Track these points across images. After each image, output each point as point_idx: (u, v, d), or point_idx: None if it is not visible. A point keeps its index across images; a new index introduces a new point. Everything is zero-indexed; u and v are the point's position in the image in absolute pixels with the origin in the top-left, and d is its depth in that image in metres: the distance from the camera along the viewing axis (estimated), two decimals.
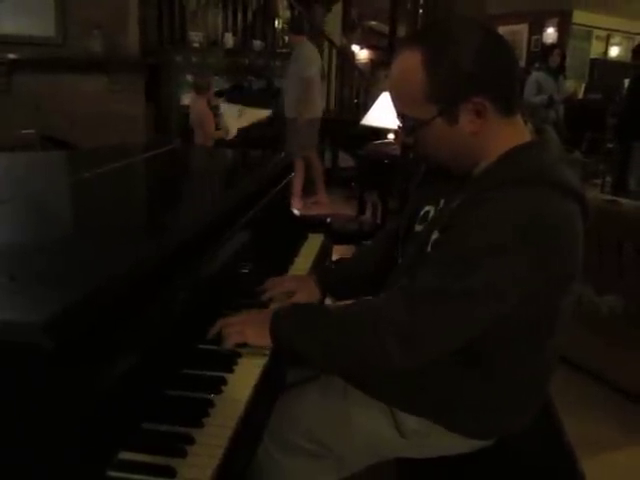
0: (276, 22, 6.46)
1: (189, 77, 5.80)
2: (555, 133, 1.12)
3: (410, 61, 1.03)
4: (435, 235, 1.05)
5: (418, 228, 1.21)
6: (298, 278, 1.49)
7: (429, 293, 0.99)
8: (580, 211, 1.01)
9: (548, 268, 0.97)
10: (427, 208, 1.21)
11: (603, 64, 10.17)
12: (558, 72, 5.91)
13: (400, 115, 1.10)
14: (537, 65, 6.59)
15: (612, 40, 10.80)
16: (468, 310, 0.98)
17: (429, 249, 1.06)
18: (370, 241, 1.61)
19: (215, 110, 5.20)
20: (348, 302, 1.19)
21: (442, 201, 1.17)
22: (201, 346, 1.18)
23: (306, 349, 1.08)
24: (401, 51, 1.06)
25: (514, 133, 1.07)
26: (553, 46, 6.44)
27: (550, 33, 9.69)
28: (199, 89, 5.01)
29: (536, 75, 6.07)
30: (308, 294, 1.39)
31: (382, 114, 3.87)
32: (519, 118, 1.08)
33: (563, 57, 6.02)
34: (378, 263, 1.43)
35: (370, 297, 1.14)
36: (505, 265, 0.95)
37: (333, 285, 1.45)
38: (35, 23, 4.59)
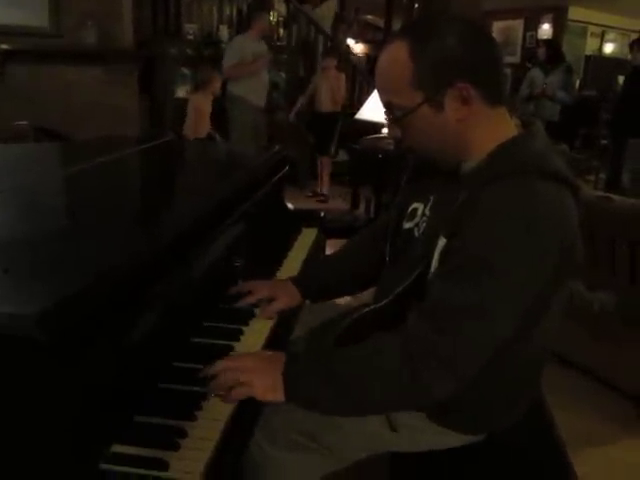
0: (271, 15, 6.43)
1: (184, 69, 5.78)
2: (541, 126, 1.12)
3: (397, 51, 1.04)
4: (442, 242, 1.02)
5: (407, 225, 1.21)
6: (276, 283, 1.44)
7: (458, 311, 0.96)
8: (574, 200, 1.02)
9: (553, 257, 0.98)
10: (415, 205, 1.21)
11: (598, 60, 10.18)
12: (548, 66, 5.90)
13: (386, 105, 1.10)
14: (530, 64, 6.60)
15: (607, 36, 10.81)
16: (499, 315, 0.97)
17: (436, 256, 1.03)
18: (351, 239, 1.54)
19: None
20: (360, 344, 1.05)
21: (431, 198, 1.16)
22: (194, 339, 1.18)
23: (331, 402, 1.02)
24: (388, 44, 1.08)
25: (500, 125, 1.08)
26: (543, 43, 6.44)
27: (545, 29, 9.68)
28: (197, 85, 5.00)
29: (532, 72, 6.09)
30: (288, 300, 1.36)
31: (376, 108, 3.88)
32: (505, 111, 1.09)
33: (552, 50, 6.00)
34: (362, 263, 1.42)
35: (380, 333, 1.04)
36: (516, 261, 0.95)
37: (314, 288, 1.41)
38: (29, 14, 4.55)
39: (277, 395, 1.02)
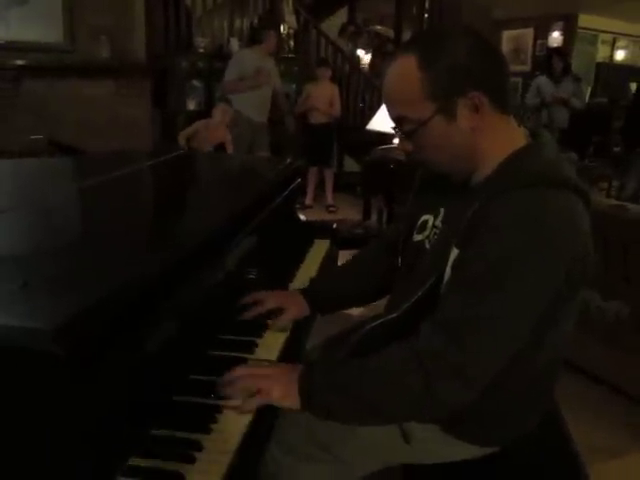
0: (282, 27, 6.48)
1: (195, 82, 5.84)
2: (549, 135, 1.13)
3: (405, 65, 1.05)
4: (454, 253, 1.03)
5: (417, 237, 1.21)
6: (285, 294, 1.43)
7: (471, 323, 0.96)
8: (585, 208, 1.02)
9: (566, 266, 0.98)
10: (426, 217, 1.21)
11: (609, 68, 10.14)
12: (561, 77, 5.90)
13: (397, 119, 1.10)
14: (537, 73, 6.59)
15: (618, 44, 10.76)
16: (513, 326, 0.98)
17: (448, 268, 1.04)
18: (359, 252, 1.54)
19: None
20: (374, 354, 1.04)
21: (442, 210, 1.17)
22: (209, 352, 1.19)
23: (346, 412, 1.03)
24: (394, 59, 1.08)
25: (510, 134, 1.08)
26: (553, 52, 6.41)
27: (555, 37, 9.66)
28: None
29: (537, 81, 6.08)
30: (298, 310, 1.36)
31: (387, 119, 3.88)
32: (513, 120, 1.09)
33: (565, 61, 6.01)
34: (370, 275, 1.43)
35: (395, 344, 1.03)
36: (528, 272, 0.95)
37: (322, 300, 1.41)
38: (43, 29, 4.63)
39: (294, 403, 1.03)
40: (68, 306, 0.81)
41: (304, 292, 1.41)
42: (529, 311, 0.98)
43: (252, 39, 5.48)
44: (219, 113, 4.84)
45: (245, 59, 5.04)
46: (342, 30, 7.68)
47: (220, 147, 4.86)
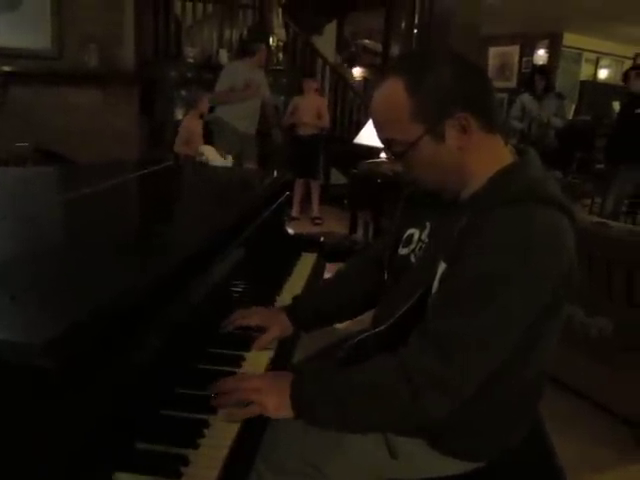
0: (271, 39, 6.51)
1: (184, 92, 5.84)
2: (535, 153, 1.15)
3: (392, 87, 1.06)
4: (442, 267, 1.04)
5: (403, 251, 1.22)
6: (268, 312, 1.41)
7: (459, 337, 0.97)
8: (570, 224, 1.04)
9: (552, 282, 0.99)
10: (411, 231, 1.22)
11: (592, 86, 10.31)
12: (544, 94, 6.02)
13: (386, 142, 1.11)
14: (522, 89, 6.70)
15: (601, 62, 10.96)
16: (501, 341, 0.99)
17: (436, 282, 1.05)
18: (342, 267, 1.54)
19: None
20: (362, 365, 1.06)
21: (427, 224, 1.18)
22: (196, 366, 1.18)
23: (334, 419, 1.04)
24: (381, 82, 1.09)
25: (497, 152, 1.10)
26: (535, 71, 6.54)
27: (541, 54, 9.82)
28: (188, 106, 5.09)
29: (522, 98, 6.18)
30: (280, 330, 1.35)
31: (375, 133, 3.90)
32: (500, 138, 1.11)
33: (547, 80, 6.13)
34: (354, 291, 1.43)
35: (384, 354, 1.05)
36: (515, 288, 0.97)
37: (305, 318, 1.40)
38: (31, 36, 4.61)
39: (288, 413, 1.04)
40: (57, 320, 0.80)
41: (287, 310, 1.40)
42: (516, 326, 0.99)
43: (243, 51, 5.50)
44: (204, 104, 4.91)
45: (236, 71, 5.09)
46: (341, 46, 7.72)
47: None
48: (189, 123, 4.92)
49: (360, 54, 8.24)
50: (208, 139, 5.07)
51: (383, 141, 1.12)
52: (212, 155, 4.71)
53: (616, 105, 6.84)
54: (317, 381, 1.06)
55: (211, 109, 5.18)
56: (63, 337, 0.77)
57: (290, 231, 2.13)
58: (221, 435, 0.98)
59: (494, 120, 1.10)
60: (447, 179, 1.10)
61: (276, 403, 1.04)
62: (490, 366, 1.00)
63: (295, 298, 1.47)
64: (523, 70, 9.81)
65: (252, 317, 1.36)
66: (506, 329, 0.99)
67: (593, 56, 10.75)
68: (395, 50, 7.14)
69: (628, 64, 6.24)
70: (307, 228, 5.42)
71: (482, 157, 1.08)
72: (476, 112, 1.05)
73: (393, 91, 1.06)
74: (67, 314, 0.82)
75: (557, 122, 6.01)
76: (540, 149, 5.74)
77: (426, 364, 0.98)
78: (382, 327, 1.14)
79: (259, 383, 1.08)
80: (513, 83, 9.83)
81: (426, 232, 1.18)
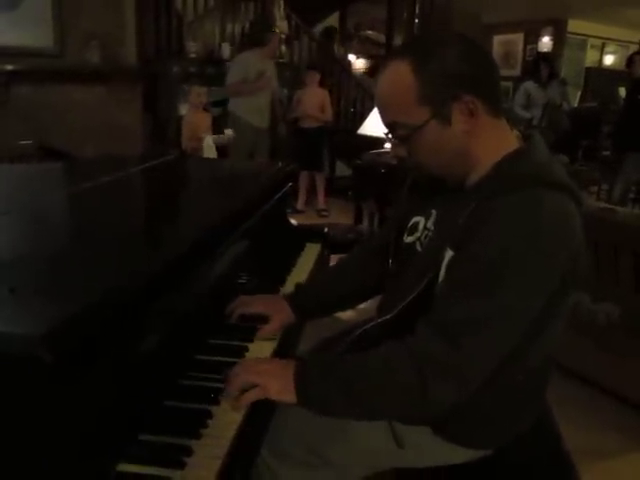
0: None
1: (187, 87, 5.83)
2: (541, 137, 1.13)
3: (398, 70, 1.05)
4: (449, 254, 1.03)
5: (408, 239, 1.21)
6: (270, 300, 1.41)
7: (467, 323, 0.96)
8: (577, 208, 1.02)
9: (561, 267, 0.98)
10: (416, 219, 1.21)
11: (598, 72, 10.22)
12: (548, 81, 6.00)
13: (391, 125, 1.10)
14: (527, 77, 6.67)
15: (607, 48, 10.85)
16: (509, 327, 0.98)
17: (443, 269, 1.04)
18: (345, 256, 1.52)
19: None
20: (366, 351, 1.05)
21: (433, 212, 1.17)
22: (200, 357, 1.18)
23: (340, 406, 1.03)
24: (387, 64, 1.08)
25: (503, 136, 1.09)
26: (539, 58, 6.51)
27: (545, 42, 9.72)
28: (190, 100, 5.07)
29: (526, 85, 6.15)
30: (282, 318, 1.34)
31: (379, 123, 3.89)
32: (505, 123, 1.10)
33: (552, 67, 6.11)
34: (356, 279, 1.42)
35: (390, 341, 1.03)
36: (523, 273, 0.96)
37: (307, 307, 1.40)
38: (33, 34, 4.60)
39: (291, 397, 1.03)
40: (56, 311, 0.80)
41: (289, 299, 1.40)
42: (525, 311, 0.98)
43: (252, 42, 5.42)
44: (194, 96, 4.84)
45: (248, 62, 5.02)
46: (326, 35, 7.68)
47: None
48: (190, 117, 4.90)
49: (363, 42, 8.20)
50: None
51: (387, 124, 1.11)
52: (208, 144, 4.67)
53: (622, 91, 6.76)
54: (322, 366, 1.06)
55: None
56: (63, 329, 0.77)
57: (294, 222, 2.12)
58: (224, 426, 0.98)
59: (500, 105, 1.08)
60: (452, 164, 1.09)
61: (279, 386, 1.03)
62: (501, 352, 0.99)
63: (297, 286, 1.46)
64: (527, 58, 9.73)
65: (254, 304, 1.35)
66: (514, 314, 0.98)
67: (598, 42, 10.65)
68: (398, 41, 7.10)
69: (634, 49, 6.15)
70: (313, 221, 5.40)
71: (488, 142, 1.06)
72: (483, 95, 1.04)
73: (399, 73, 1.04)
74: (66, 306, 0.82)
75: (565, 106, 6.02)
76: (557, 134, 5.75)
77: (435, 350, 0.97)
78: (388, 316, 1.13)
79: (264, 366, 1.09)
80: (517, 71, 9.74)
81: (432, 220, 1.17)
